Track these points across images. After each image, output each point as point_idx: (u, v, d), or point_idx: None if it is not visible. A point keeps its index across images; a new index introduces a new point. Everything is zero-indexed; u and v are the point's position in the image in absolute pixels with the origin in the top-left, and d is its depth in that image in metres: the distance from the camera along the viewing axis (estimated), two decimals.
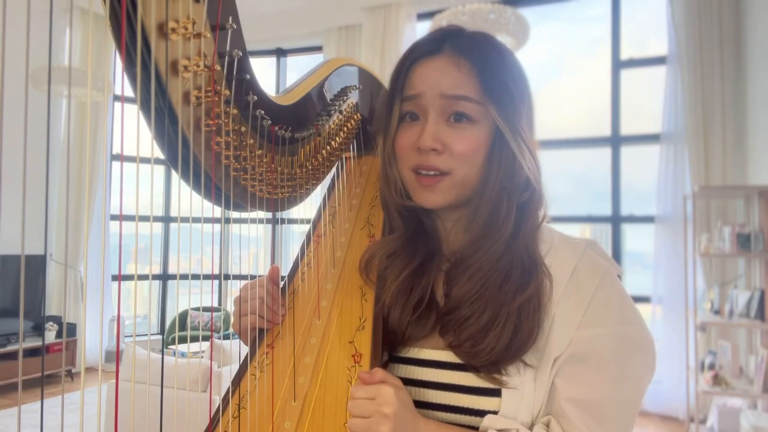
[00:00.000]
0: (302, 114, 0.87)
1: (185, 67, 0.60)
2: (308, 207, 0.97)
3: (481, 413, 0.71)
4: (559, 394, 0.68)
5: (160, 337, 6.54)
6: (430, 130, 0.74)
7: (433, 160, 0.74)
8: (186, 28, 0.59)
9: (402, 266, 0.80)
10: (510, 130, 0.73)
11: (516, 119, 0.73)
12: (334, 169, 1.02)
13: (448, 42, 0.76)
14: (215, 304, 6.08)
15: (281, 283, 0.89)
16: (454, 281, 0.76)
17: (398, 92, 0.78)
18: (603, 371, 0.68)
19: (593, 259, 0.75)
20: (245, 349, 0.84)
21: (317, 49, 6.26)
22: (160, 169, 6.39)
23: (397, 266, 0.80)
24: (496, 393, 0.70)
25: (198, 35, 0.60)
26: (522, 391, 0.69)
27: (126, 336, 5.91)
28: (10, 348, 4.99)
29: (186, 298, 6.66)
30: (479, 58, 0.74)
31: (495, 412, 0.70)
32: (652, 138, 4.89)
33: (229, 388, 0.77)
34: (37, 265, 5.32)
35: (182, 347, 5.03)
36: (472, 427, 0.71)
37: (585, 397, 0.67)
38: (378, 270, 0.83)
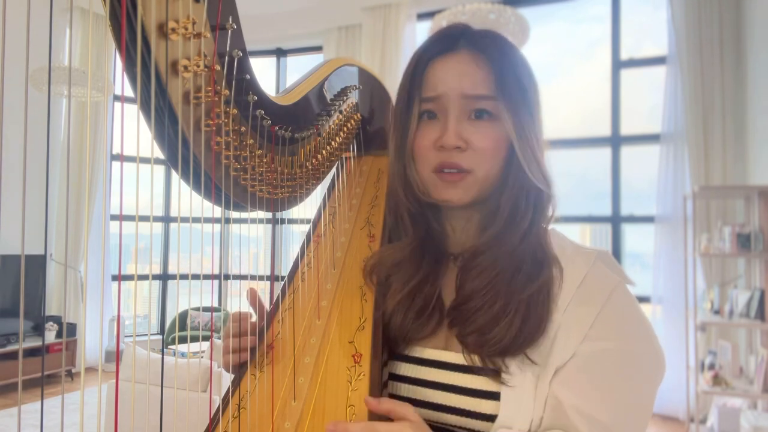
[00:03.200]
0: (302, 114, 0.87)
1: (185, 67, 0.60)
2: (308, 207, 0.97)
3: (480, 416, 0.70)
4: (566, 406, 0.67)
5: (160, 337, 6.54)
6: (453, 128, 0.73)
7: (456, 157, 0.74)
8: (186, 28, 0.59)
9: (407, 277, 0.79)
10: (522, 127, 0.73)
11: (529, 115, 0.73)
12: (334, 169, 1.02)
13: (463, 38, 0.76)
14: (215, 304, 6.08)
15: (279, 289, 0.89)
16: (466, 277, 0.75)
17: (416, 92, 0.76)
18: (608, 386, 0.67)
19: (604, 271, 0.73)
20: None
21: (317, 49, 6.26)
22: (160, 169, 6.39)
23: (402, 276, 0.79)
24: (496, 397, 0.70)
25: (198, 35, 0.60)
26: (521, 393, 0.68)
27: (126, 336, 5.91)
28: (10, 348, 4.99)
29: (186, 298, 6.66)
30: (496, 54, 0.74)
31: (494, 416, 0.69)
32: (652, 138, 4.89)
33: (229, 388, 0.77)
34: (37, 265, 5.32)
35: (182, 347, 5.03)
36: (471, 430, 0.71)
37: (592, 412, 0.65)
38: (380, 275, 0.82)
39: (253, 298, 0.85)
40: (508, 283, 0.71)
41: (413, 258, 0.80)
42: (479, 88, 0.73)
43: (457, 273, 0.78)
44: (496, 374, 0.70)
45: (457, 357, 0.74)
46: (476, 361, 0.71)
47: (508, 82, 0.73)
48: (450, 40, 0.76)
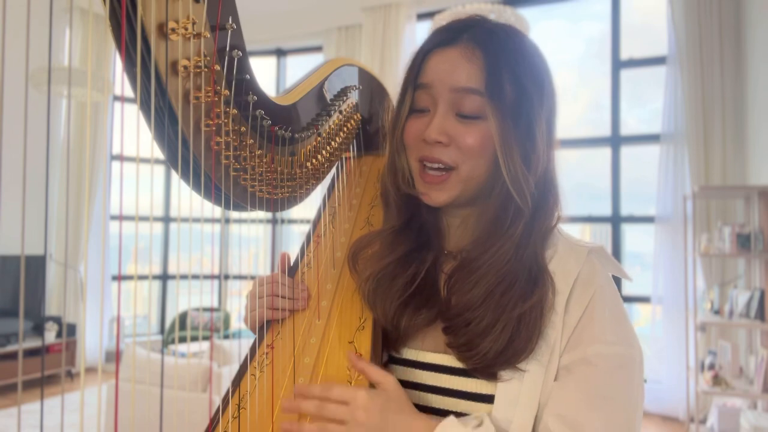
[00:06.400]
0: (302, 114, 0.87)
1: (185, 67, 0.60)
2: (308, 207, 0.97)
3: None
4: (546, 415, 0.66)
5: (160, 337, 6.54)
6: (437, 123, 0.72)
7: (438, 152, 0.73)
8: (186, 28, 0.59)
9: (384, 254, 0.79)
10: (507, 131, 0.70)
11: (522, 119, 0.71)
12: (333, 169, 1.02)
13: (466, 32, 0.74)
14: (215, 304, 6.08)
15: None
16: (459, 285, 0.74)
17: (411, 80, 0.76)
18: (589, 392, 0.66)
19: (591, 271, 0.72)
20: (245, 349, 0.84)
21: (317, 49, 6.26)
22: (160, 169, 6.39)
23: (379, 254, 0.80)
24: (492, 400, 0.69)
25: (198, 35, 0.60)
26: (515, 395, 0.68)
27: (126, 336, 5.91)
28: (10, 348, 4.98)
29: (186, 298, 6.66)
30: (494, 50, 0.71)
31: None
32: (652, 138, 4.89)
33: (229, 388, 0.77)
34: (37, 265, 5.32)
35: (182, 347, 5.03)
36: None
37: (576, 418, 0.65)
38: (361, 259, 0.83)
39: (283, 261, 0.89)
40: (499, 298, 0.69)
41: (392, 240, 0.80)
42: (468, 81, 0.71)
43: (449, 274, 0.76)
44: (491, 377, 0.70)
45: (453, 360, 0.73)
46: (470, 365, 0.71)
47: (500, 81, 0.70)
48: (452, 33, 0.75)
